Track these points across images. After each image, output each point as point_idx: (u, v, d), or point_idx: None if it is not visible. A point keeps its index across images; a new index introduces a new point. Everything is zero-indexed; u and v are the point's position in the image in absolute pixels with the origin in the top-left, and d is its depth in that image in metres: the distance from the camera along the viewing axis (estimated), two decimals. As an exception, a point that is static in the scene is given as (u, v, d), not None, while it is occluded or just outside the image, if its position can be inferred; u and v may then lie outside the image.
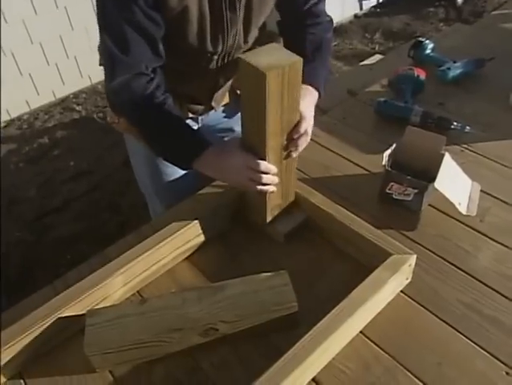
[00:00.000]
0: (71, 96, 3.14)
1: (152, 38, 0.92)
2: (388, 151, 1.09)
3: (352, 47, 3.68)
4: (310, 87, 1.02)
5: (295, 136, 0.91)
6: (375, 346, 0.82)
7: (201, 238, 1.01)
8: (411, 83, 1.41)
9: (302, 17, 1.10)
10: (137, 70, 0.93)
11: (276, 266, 0.90)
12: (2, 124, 2.91)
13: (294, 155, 0.95)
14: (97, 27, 0.93)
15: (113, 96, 1.03)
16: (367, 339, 0.83)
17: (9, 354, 0.78)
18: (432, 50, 1.60)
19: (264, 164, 0.90)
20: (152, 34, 0.92)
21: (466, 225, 1.04)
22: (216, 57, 1.06)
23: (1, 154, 2.68)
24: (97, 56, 1.05)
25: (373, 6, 4.22)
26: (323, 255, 0.99)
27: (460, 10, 3.95)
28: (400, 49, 1.97)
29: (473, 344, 0.82)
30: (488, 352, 0.81)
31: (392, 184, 1.05)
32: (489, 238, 1.01)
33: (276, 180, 0.93)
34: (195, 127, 1.28)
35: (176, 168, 1.01)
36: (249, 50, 1.11)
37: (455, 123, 1.27)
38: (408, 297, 0.90)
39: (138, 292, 0.94)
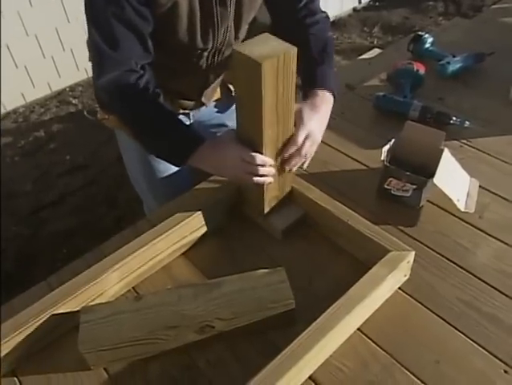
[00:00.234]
0: (67, 89, 3.12)
1: (141, 34, 0.90)
2: (387, 147, 1.08)
3: (351, 41, 3.66)
4: (326, 92, 0.99)
5: (289, 152, 0.92)
6: (372, 343, 0.82)
7: (198, 234, 1.00)
8: (410, 78, 1.40)
9: (300, 16, 1.07)
10: (127, 66, 0.91)
11: (273, 263, 0.89)
12: (-2, 117, 2.89)
13: (287, 170, 0.95)
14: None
15: (102, 94, 1.01)
16: (364, 337, 0.83)
17: (2, 351, 0.77)
18: (432, 44, 1.59)
19: (260, 157, 0.88)
20: (141, 31, 0.90)
21: (465, 222, 1.03)
22: (206, 54, 1.05)
23: (1, 147, 2.66)
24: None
25: (372, 0, 4.19)
26: (321, 251, 0.98)
27: (459, 4, 3.93)
28: (398, 43, 1.96)
29: (471, 342, 0.81)
30: (486, 350, 0.80)
31: (390, 179, 1.04)
32: (488, 235, 1.00)
33: (273, 170, 0.92)
34: (187, 123, 1.26)
35: (169, 164, 1.00)
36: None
37: (454, 118, 1.26)
38: (406, 294, 0.89)
39: (134, 288, 0.93)
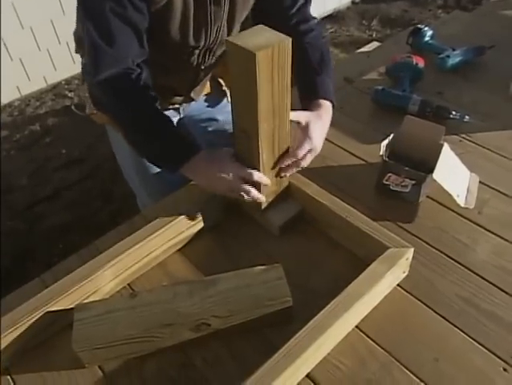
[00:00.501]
0: (63, 83, 3.09)
1: (138, 30, 0.88)
2: (386, 141, 1.07)
3: (349, 34, 3.63)
4: (326, 102, 1.00)
5: (288, 163, 0.92)
6: (371, 341, 0.81)
7: (194, 230, 0.98)
8: (409, 71, 1.39)
9: (293, 23, 1.05)
10: (124, 64, 0.89)
11: (270, 259, 0.88)
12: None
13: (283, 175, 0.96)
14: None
15: (98, 92, 0.99)
16: (362, 334, 0.82)
17: (-4, 348, 0.76)
18: (431, 37, 1.57)
19: (257, 174, 0.89)
20: (138, 26, 0.88)
21: (464, 218, 1.02)
22: (197, 51, 1.04)
23: (0, 140, 2.63)
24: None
25: (370, -7, 4.16)
26: (319, 248, 0.97)
27: (458, -3, 3.90)
28: (397, 36, 1.94)
29: (470, 339, 0.81)
30: (485, 348, 0.79)
31: (389, 174, 1.03)
32: (488, 231, 0.99)
33: (267, 189, 0.93)
34: (176, 118, 1.25)
35: None
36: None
37: (454, 113, 1.25)
38: (405, 291, 0.88)
39: (129, 285, 0.92)
